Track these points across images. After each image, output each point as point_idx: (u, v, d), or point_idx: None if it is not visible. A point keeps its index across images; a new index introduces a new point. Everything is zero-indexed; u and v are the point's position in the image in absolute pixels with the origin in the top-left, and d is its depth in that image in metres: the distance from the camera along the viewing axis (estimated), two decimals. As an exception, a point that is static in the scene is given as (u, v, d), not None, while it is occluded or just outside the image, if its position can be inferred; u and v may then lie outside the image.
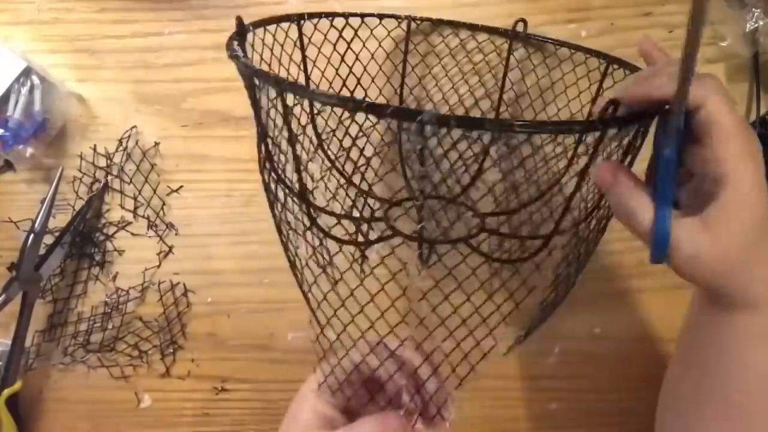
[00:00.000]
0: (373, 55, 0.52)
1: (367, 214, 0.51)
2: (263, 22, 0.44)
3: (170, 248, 0.57)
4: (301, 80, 0.49)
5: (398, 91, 0.54)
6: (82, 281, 0.58)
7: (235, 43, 0.37)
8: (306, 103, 0.48)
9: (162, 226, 0.57)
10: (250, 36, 0.41)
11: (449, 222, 0.50)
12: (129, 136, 0.56)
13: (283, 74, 0.47)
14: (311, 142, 0.49)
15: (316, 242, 0.41)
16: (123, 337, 0.58)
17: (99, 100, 0.57)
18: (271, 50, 0.45)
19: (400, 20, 0.52)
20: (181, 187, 0.57)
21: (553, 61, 0.53)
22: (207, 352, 0.58)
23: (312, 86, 0.50)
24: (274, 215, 0.40)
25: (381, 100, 0.54)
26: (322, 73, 0.50)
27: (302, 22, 0.47)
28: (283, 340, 0.58)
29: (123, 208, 0.57)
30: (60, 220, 0.57)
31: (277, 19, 0.45)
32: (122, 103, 0.57)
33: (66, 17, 0.56)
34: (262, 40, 0.44)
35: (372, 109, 0.28)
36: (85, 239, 0.58)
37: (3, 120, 0.53)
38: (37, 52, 0.56)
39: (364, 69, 0.52)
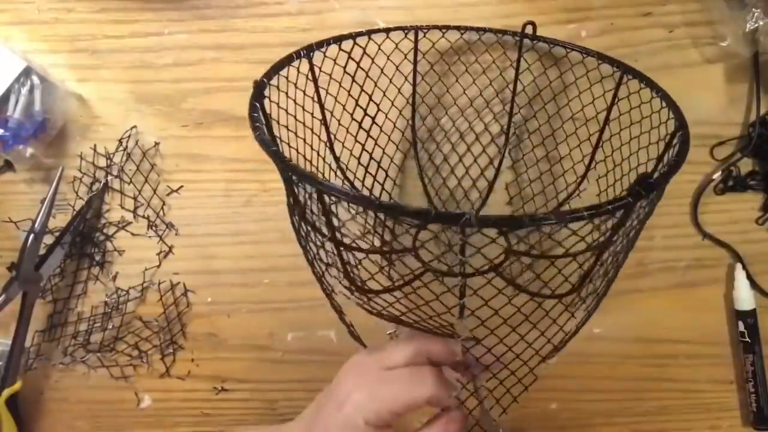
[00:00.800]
0: (382, 69, 0.52)
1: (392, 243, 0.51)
2: (276, 68, 0.43)
3: (170, 248, 0.57)
4: (317, 112, 0.48)
5: (410, 101, 0.54)
6: (82, 281, 0.58)
7: (258, 116, 0.37)
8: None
9: (162, 226, 0.57)
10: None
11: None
12: (129, 136, 0.56)
13: (298, 112, 0.46)
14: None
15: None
16: (123, 337, 0.58)
17: (99, 100, 0.57)
18: (286, 92, 0.44)
19: (407, 31, 0.51)
20: (181, 187, 0.57)
21: (564, 65, 0.52)
22: (207, 352, 0.58)
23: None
24: (306, 256, 0.40)
25: (394, 113, 0.54)
26: (335, 98, 0.50)
27: (312, 54, 0.46)
28: (283, 340, 0.58)
29: (123, 208, 0.57)
30: (60, 220, 0.57)
31: (288, 60, 0.44)
32: (122, 103, 0.57)
33: (66, 17, 0.56)
34: (277, 86, 0.43)
35: (416, 215, 0.28)
36: (85, 239, 0.58)
37: (3, 120, 0.53)
38: (37, 52, 0.56)
39: (375, 84, 0.52)
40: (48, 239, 0.56)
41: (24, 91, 0.53)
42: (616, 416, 0.57)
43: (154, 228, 0.57)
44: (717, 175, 0.54)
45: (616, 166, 0.48)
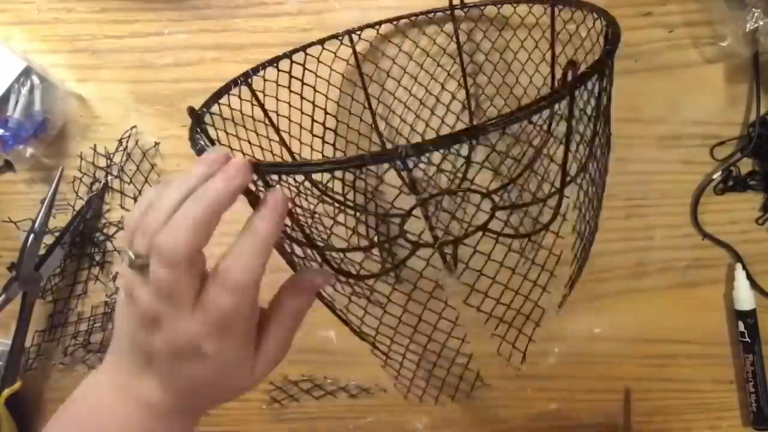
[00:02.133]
0: (329, 81, 0.52)
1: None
2: (214, 98, 0.44)
3: (170, 248, 0.57)
4: (272, 134, 0.50)
5: (366, 104, 0.54)
6: (82, 281, 0.58)
7: (200, 138, 0.37)
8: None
9: (162, 226, 0.57)
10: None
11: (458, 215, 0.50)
12: (129, 136, 0.56)
13: (252, 137, 0.48)
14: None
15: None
16: (123, 337, 0.58)
17: (99, 100, 0.57)
18: (233, 120, 0.46)
19: (341, 37, 0.52)
20: (181, 187, 0.57)
21: (500, 22, 0.52)
22: (207, 352, 0.58)
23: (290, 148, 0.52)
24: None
25: (354, 120, 0.54)
26: (289, 118, 0.50)
27: (250, 80, 0.47)
28: (283, 340, 0.58)
29: (123, 208, 0.57)
30: (60, 220, 0.57)
31: (225, 89, 0.45)
32: (122, 103, 0.57)
33: (66, 17, 0.56)
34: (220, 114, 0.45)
35: (352, 162, 0.29)
36: (85, 239, 0.58)
37: (3, 120, 0.53)
38: (37, 52, 0.56)
39: (326, 96, 0.52)
40: (48, 239, 0.56)
41: (24, 91, 0.53)
42: (616, 416, 0.57)
43: (154, 228, 0.57)
44: (717, 175, 0.54)
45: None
